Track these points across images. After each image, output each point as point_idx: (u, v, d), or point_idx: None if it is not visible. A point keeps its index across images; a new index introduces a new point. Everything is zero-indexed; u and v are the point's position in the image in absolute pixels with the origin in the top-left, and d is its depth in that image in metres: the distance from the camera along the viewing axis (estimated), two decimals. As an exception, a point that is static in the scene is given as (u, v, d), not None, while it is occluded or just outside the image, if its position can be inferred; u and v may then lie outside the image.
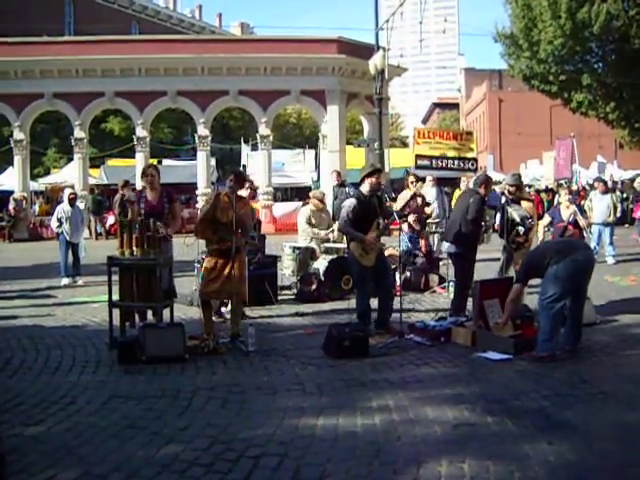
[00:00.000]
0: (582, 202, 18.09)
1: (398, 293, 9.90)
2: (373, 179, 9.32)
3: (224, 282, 8.56)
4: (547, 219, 13.28)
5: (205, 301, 8.79)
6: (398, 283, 10.75)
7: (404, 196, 13.66)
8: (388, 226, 9.71)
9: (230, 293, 8.73)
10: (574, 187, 28.47)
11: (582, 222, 12.07)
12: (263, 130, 32.64)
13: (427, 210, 13.76)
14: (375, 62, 27.52)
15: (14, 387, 6.95)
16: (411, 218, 13.06)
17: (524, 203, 11.23)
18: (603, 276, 13.97)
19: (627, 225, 28.26)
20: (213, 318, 9.54)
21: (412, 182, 13.92)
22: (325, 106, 32.63)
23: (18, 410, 6.20)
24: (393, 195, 14.56)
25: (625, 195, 31.53)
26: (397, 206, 12.42)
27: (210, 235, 8.74)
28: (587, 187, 30.05)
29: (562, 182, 29.44)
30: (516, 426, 5.60)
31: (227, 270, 8.56)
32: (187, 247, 9.81)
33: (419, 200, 13.54)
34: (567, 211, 12.87)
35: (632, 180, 35.29)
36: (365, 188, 9.32)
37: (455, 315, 9.57)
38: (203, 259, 9.59)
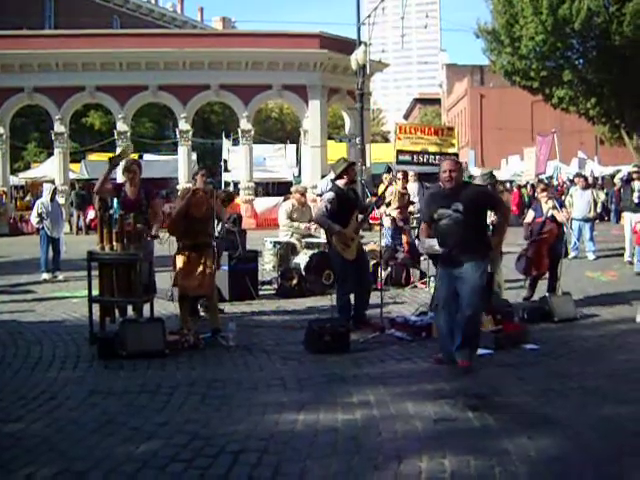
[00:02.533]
0: (562, 197, 18.14)
1: (379, 288, 9.91)
2: (350, 173, 9.51)
3: (201, 277, 8.56)
4: (531, 214, 13.22)
5: (183, 296, 8.74)
6: (380, 278, 10.75)
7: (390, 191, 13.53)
8: (366, 219, 9.78)
9: (208, 288, 8.72)
10: (555, 182, 28.61)
11: (559, 217, 12.06)
12: (244, 125, 32.51)
13: (411, 208, 13.75)
14: (357, 57, 27.53)
15: (-7, 383, 6.91)
16: (395, 213, 13.06)
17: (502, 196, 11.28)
18: (583, 272, 14.07)
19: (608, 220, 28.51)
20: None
21: (398, 178, 13.83)
22: (307, 101, 32.53)
23: (-4, 406, 6.16)
24: (374, 190, 14.54)
25: (605, 191, 31.71)
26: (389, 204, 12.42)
27: (182, 231, 8.72)
28: (567, 183, 30.19)
29: (543, 178, 29.54)
30: (497, 421, 5.61)
31: (201, 265, 8.57)
32: (161, 245, 9.68)
33: (404, 198, 13.53)
34: (547, 206, 12.88)
35: (612, 176, 35.52)
36: (342, 182, 9.44)
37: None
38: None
